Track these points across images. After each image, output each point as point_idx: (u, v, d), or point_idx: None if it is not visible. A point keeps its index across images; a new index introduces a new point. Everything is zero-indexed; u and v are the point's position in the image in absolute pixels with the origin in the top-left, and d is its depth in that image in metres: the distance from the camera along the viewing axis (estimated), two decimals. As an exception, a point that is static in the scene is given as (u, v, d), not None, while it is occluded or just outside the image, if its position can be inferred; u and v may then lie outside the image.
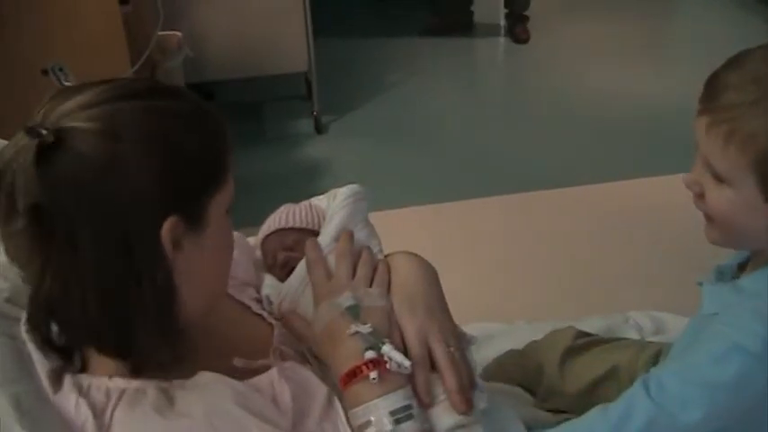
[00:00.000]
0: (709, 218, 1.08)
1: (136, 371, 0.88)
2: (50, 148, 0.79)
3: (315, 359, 1.04)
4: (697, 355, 1.04)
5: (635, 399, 1.05)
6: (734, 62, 1.02)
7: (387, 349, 0.95)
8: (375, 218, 1.23)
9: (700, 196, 1.06)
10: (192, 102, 0.90)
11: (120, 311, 0.85)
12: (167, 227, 0.84)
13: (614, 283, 2.51)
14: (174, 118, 0.87)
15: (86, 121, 0.81)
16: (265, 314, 1.12)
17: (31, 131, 0.80)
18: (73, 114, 0.82)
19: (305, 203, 1.25)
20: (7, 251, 0.86)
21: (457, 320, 1.09)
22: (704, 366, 1.02)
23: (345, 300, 1.01)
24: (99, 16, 2.28)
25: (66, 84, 2.09)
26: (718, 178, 1.02)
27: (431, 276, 1.09)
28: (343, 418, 0.95)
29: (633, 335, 1.74)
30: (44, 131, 0.79)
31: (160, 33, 2.58)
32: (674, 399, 1.02)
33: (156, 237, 0.84)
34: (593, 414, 1.09)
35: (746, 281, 1.09)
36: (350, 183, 1.24)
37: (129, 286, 0.84)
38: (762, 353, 0.98)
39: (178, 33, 2.85)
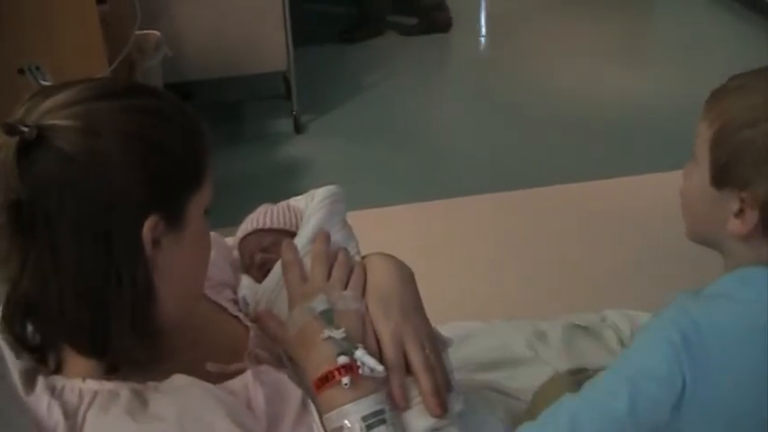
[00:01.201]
0: (681, 194, 1.10)
1: (111, 370, 0.88)
2: (31, 145, 0.79)
3: (290, 362, 1.04)
4: (627, 349, 1.06)
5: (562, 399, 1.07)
6: (745, 87, 1.04)
7: (359, 354, 0.95)
8: (355, 217, 1.23)
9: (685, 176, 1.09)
10: (171, 102, 0.90)
11: (98, 309, 0.85)
12: (148, 225, 0.84)
13: (596, 281, 2.53)
14: (154, 117, 0.87)
15: (67, 119, 0.81)
16: (242, 316, 1.12)
17: (12, 129, 0.79)
18: (54, 112, 0.82)
19: (283, 204, 1.25)
20: None
21: (438, 320, 1.10)
22: (632, 355, 1.04)
23: (319, 303, 1.01)
24: (76, 15, 2.26)
25: (44, 83, 2.07)
26: (693, 156, 1.05)
27: (406, 278, 1.09)
28: (318, 422, 0.95)
29: (611, 335, 1.75)
30: (25, 128, 0.79)
31: (138, 33, 2.57)
32: (602, 390, 1.04)
33: (137, 235, 0.84)
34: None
35: (707, 288, 1.08)
36: (330, 182, 1.24)
37: (108, 284, 0.84)
38: (678, 344, 0.98)
39: (156, 33, 2.84)
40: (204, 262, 0.98)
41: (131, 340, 0.86)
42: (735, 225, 1.01)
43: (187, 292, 0.96)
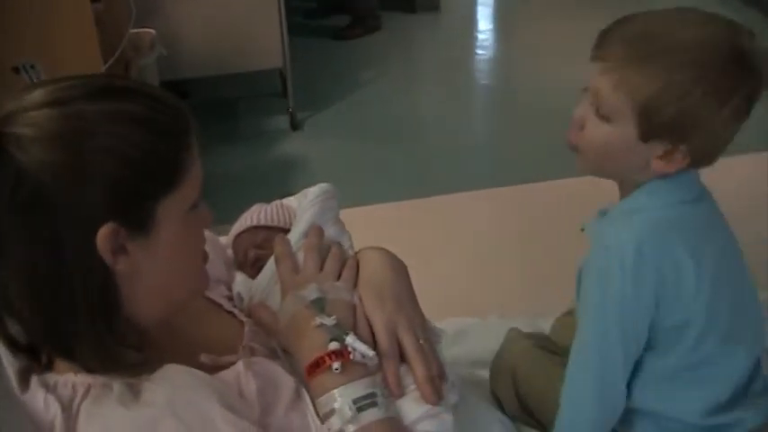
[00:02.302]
0: (581, 150, 1.23)
1: (89, 371, 0.88)
2: None
3: (285, 353, 1.05)
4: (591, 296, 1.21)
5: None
6: (627, 19, 1.17)
7: (350, 340, 0.96)
8: (350, 214, 1.24)
9: (580, 128, 1.20)
10: (143, 103, 0.87)
11: (53, 314, 0.85)
12: (103, 233, 0.83)
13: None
14: (118, 122, 0.84)
15: (23, 127, 0.81)
16: (237, 311, 1.12)
17: None
18: (14, 117, 0.82)
19: (276, 203, 1.26)
20: None
21: (431, 316, 1.10)
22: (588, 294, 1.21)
23: (311, 292, 1.02)
24: (71, 13, 2.26)
25: (37, 82, 2.07)
26: (602, 116, 1.16)
27: (400, 269, 1.09)
28: (312, 409, 0.95)
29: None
30: None
31: (133, 31, 2.57)
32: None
33: (90, 242, 0.83)
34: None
35: (614, 209, 1.25)
36: (326, 179, 1.25)
37: (60, 290, 0.84)
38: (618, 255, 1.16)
39: (151, 31, 2.83)
40: (188, 259, 0.96)
41: (91, 343, 0.86)
42: (659, 165, 1.15)
43: (166, 293, 0.94)
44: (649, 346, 1.21)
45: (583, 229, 1.29)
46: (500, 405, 1.52)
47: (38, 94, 0.83)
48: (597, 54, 1.16)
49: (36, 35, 2.23)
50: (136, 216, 0.86)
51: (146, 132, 0.85)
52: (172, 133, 0.88)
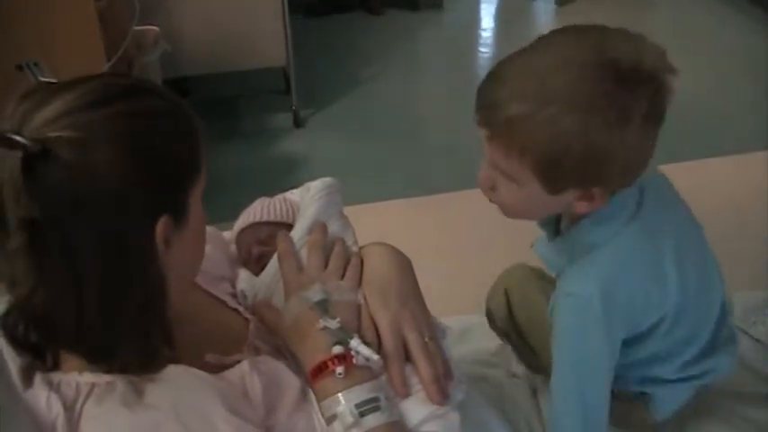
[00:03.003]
0: (500, 207, 1.21)
1: (123, 371, 0.87)
2: (36, 160, 0.77)
3: (290, 352, 1.04)
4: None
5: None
6: (497, 76, 1.10)
7: (354, 344, 0.95)
8: (353, 211, 1.23)
9: (492, 189, 1.18)
10: (167, 100, 0.89)
11: (113, 315, 0.84)
12: (161, 227, 0.84)
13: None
14: (150, 118, 0.86)
15: (68, 130, 0.79)
16: (241, 309, 1.12)
17: (13, 143, 0.77)
18: (53, 123, 0.80)
19: (279, 197, 1.25)
20: None
21: (434, 314, 1.10)
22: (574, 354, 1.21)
23: (314, 293, 1.02)
24: (74, 11, 2.26)
25: (42, 79, 2.07)
26: (508, 177, 1.12)
27: (404, 266, 1.09)
28: (318, 411, 0.95)
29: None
30: (27, 143, 0.77)
31: (136, 28, 2.57)
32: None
33: (152, 239, 0.84)
34: None
35: (567, 240, 1.23)
36: (328, 176, 1.24)
37: (124, 290, 0.84)
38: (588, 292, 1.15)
39: (155, 28, 2.83)
40: (202, 247, 0.98)
41: (141, 343, 0.86)
42: (582, 206, 1.13)
43: (185, 280, 0.97)
44: (624, 344, 1.23)
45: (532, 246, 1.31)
46: (492, 319, 1.59)
47: (64, 101, 0.82)
48: (479, 120, 1.11)
49: (39, 33, 2.23)
50: (179, 207, 0.88)
51: (177, 125, 0.88)
52: (190, 127, 0.90)
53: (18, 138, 0.77)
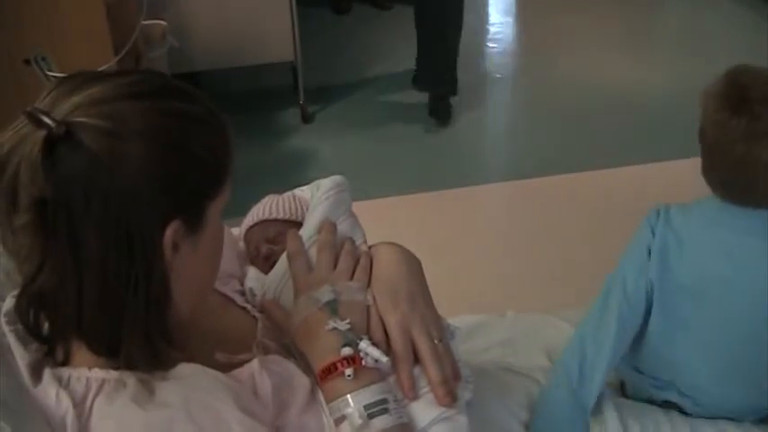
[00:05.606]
0: None
1: (129, 368, 0.87)
2: (59, 141, 0.77)
3: (298, 352, 1.03)
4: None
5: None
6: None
7: (364, 345, 0.95)
8: (361, 208, 1.22)
9: None
10: (201, 104, 0.88)
11: (114, 310, 0.84)
12: (171, 230, 0.83)
13: (602, 270, 2.51)
14: (183, 120, 0.85)
15: (96, 118, 0.79)
16: (249, 307, 1.11)
17: (39, 122, 0.77)
18: (83, 109, 0.80)
19: (288, 194, 1.24)
20: (5, 244, 0.84)
21: (443, 312, 1.09)
22: None
23: (324, 294, 1.01)
24: (82, 5, 2.26)
25: (50, 74, 2.07)
26: None
27: (414, 266, 1.08)
28: (327, 411, 0.95)
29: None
30: (53, 123, 0.77)
31: (144, 23, 2.56)
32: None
33: (159, 239, 0.83)
34: None
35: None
36: (337, 172, 1.23)
37: (125, 286, 0.83)
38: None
39: (163, 23, 2.83)
40: (217, 261, 0.98)
41: (140, 340, 0.85)
42: None
43: (198, 291, 0.96)
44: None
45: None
46: None
47: (100, 88, 0.82)
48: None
49: (47, 27, 2.23)
50: (194, 214, 0.87)
51: (208, 133, 0.88)
52: (223, 136, 0.90)
53: (45, 118, 0.77)
